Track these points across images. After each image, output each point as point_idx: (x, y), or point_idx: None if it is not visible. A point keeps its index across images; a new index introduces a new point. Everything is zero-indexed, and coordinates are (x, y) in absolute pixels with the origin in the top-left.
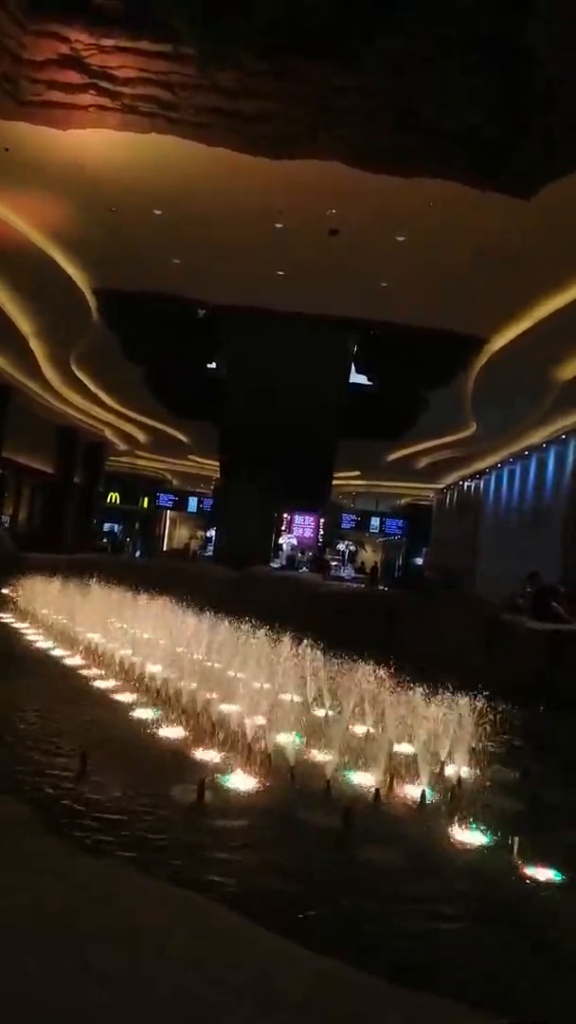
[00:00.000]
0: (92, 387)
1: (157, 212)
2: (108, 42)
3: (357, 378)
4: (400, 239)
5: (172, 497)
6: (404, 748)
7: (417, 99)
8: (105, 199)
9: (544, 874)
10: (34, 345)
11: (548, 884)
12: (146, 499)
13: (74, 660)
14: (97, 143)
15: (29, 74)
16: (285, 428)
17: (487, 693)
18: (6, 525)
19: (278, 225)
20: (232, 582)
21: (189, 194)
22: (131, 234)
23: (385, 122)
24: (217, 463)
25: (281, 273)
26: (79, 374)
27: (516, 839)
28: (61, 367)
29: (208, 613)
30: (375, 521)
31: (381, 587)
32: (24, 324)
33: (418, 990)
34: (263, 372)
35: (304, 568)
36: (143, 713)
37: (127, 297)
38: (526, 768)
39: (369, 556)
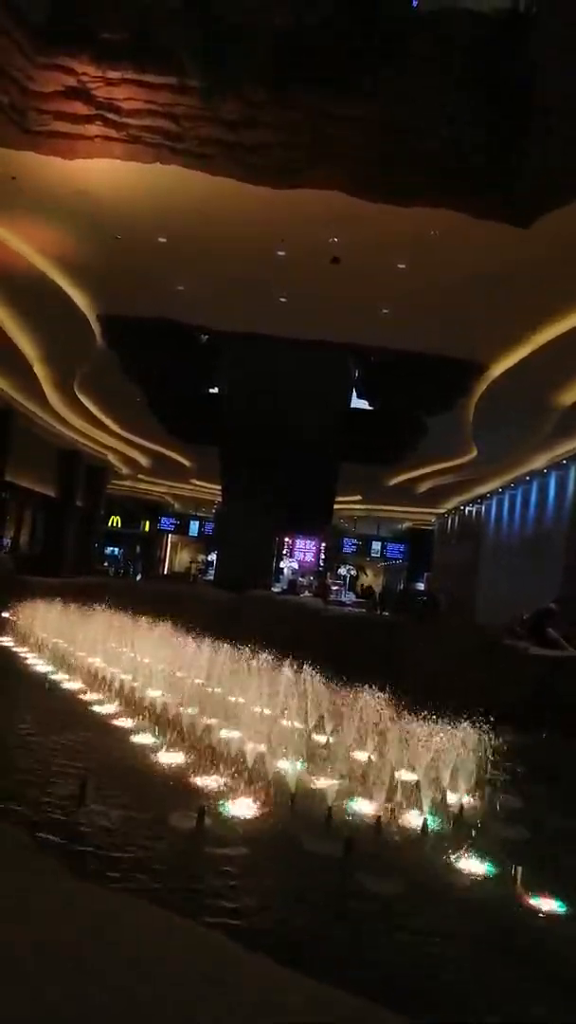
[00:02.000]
0: (95, 411)
1: (161, 240)
2: (114, 74)
3: (358, 403)
4: (401, 266)
5: (173, 521)
6: (406, 775)
7: (416, 129)
8: (110, 227)
9: (547, 903)
10: (38, 369)
11: (551, 913)
12: (147, 523)
13: (74, 684)
14: (103, 172)
15: (36, 105)
16: (287, 452)
17: (488, 720)
18: (7, 548)
19: (280, 253)
20: (232, 606)
21: (193, 222)
22: (135, 261)
23: (385, 151)
24: (218, 487)
25: (283, 300)
26: (82, 398)
27: (519, 868)
28: (64, 391)
29: (208, 637)
30: (376, 545)
31: (384, 612)
32: (28, 349)
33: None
34: (265, 396)
35: (306, 592)
36: (142, 739)
37: (131, 323)
38: (529, 795)
39: (370, 580)
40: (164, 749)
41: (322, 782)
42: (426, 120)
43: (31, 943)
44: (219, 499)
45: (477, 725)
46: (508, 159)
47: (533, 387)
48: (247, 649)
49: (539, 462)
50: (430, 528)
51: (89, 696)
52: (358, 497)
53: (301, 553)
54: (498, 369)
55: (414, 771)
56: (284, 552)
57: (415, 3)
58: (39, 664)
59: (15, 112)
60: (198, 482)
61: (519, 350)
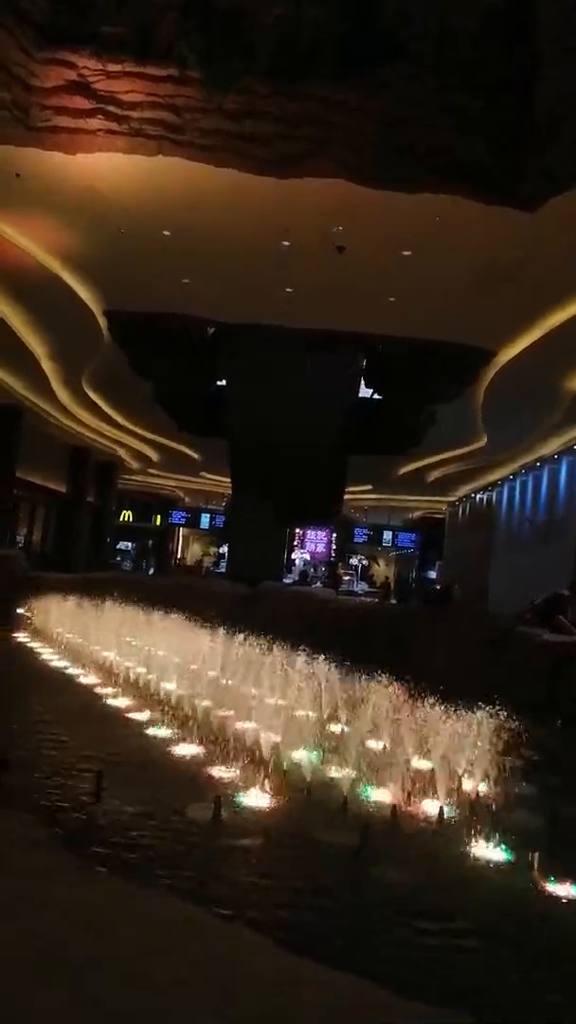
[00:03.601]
0: (104, 406)
1: (166, 233)
2: (115, 67)
3: (366, 392)
4: (406, 254)
5: (184, 514)
6: (421, 763)
7: (419, 117)
8: (115, 221)
9: (565, 890)
10: (46, 366)
11: (569, 899)
12: (159, 517)
13: (89, 679)
14: (106, 166)
15: (38, 101)
16: (296, 444)
17: (502, 708)
18: (20, 545)
19: (285, 243)
20: (245, 598)
21: (197, 214)
22: (140, 255)
23: (388, 140)
24: (228, 479)
25: (289, 290)
26: (91, 394)
27: (536, 855)
28: (73, 387)
29: (221, 629)
30: (387, 535)
31: (393, 601)
32: (36, 346)
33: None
34: (273, 388)
35: (318, 583)
36: (158, 731)
37: (137, 317)
38: (545, 782)
39: (382, 570)
40: (180, 741)
41: (336, 772)
42: (428, 109)
43: (45, 937)
44: (229, 492)
45: (491, 713)
46: (512, 146)
47: (543, 372)
48: (261, 641)
49: (549, 448)
50: (441, 516)
51: (104, 690)
52: (369, 487)
53: (312, 544)
54: (507, 355)
55: (429, 759)
56: (295, 543)
57: None
58: (55, 660)
59: (18, 109)
60: (208, 475)
61: (527, 335)
